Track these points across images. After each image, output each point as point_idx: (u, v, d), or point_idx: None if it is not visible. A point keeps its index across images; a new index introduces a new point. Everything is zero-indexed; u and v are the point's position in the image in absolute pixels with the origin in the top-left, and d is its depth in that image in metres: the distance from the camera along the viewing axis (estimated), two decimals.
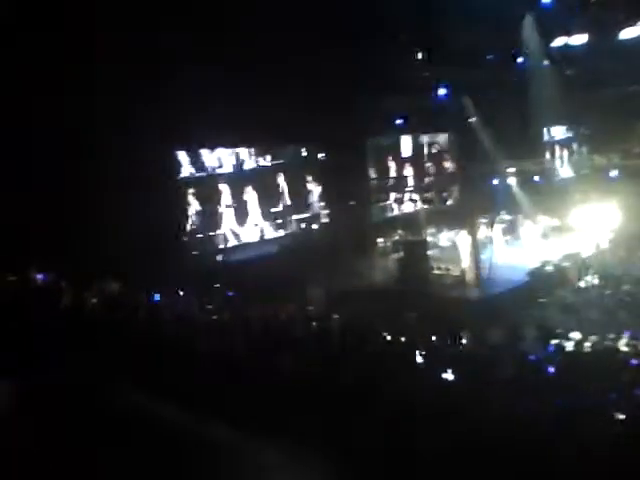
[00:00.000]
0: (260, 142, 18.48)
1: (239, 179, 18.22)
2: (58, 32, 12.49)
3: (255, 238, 18.70)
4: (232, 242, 18.08)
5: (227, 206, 17.94)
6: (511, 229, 20.62)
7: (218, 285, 14.48)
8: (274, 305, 11.30)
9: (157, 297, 10.97)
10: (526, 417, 5.67)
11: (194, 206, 17.20)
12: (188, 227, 17.13)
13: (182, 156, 16.98)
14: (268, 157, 19.11)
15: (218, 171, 17.85)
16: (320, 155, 20.17)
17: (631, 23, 19.73)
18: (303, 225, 19.97)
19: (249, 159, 18.70)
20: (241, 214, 18.33)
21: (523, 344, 9.77)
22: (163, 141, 14.81)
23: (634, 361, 8.68)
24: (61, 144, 13.08)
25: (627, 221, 19.38)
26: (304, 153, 20.08)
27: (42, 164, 12.80)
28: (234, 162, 18.29)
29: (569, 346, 10.07)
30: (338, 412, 5.82)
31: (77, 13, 12.66)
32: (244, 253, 18.10)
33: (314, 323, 9.89)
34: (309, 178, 20.09)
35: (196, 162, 17.31)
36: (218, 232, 17.80)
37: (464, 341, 9.13)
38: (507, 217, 21.14)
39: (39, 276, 10.70)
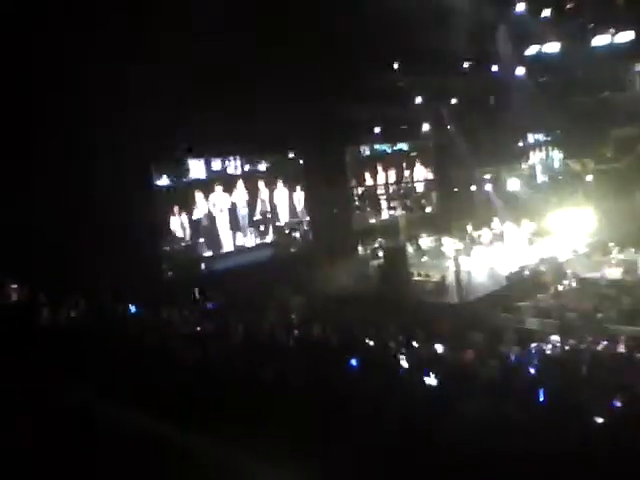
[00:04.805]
0: (241, 150, 18.46)
1: (220, 187, 18.15)
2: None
3: (237, 246, 18.64)
4: (214, 250, 17.99)
5: (208, 214, 17.87)
6: (489, 234, 20.83)
7: (198, 295, 14.45)
8: (255, 314, 11.32)
9: (136, 308, 10.94)
10: (506, 420, 5.73)
11: (174, 214, 17.09)
12: (168, 236, 17.00)
13: (160, 164, 16.86)
14: (248, 165, 19.09)
15: (198, 178, 17.75)
16: (301, 162, 20.20)
17: (602, 30, 20.10)
18: (285, 232, 19.95)
19: (230, 166, 18.65)
20: (223, 222, 18.28)
21: (503, 347, 9.91)
22: (141, 149, 14.68)
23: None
24: (35, 155, 12.91)
25: (602, 225, 19.69)
26: (285, 160, 20.09)
27: (12, 178, 12.58)
28: (214, 169, 18.22)
29: (548, 349, 10.25)
30: (322, 418, 5.83)
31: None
32: (226, 261, 18.04)
33: (295, 331, 9.95)
34: (291, 185, 20.09)
35: (175, 170, 17.20)
36: (200, 240, 17.70)
37: (444, 346, 9.24)
38: (485, 222, 21.37)
39: (15, 289, 10.58)
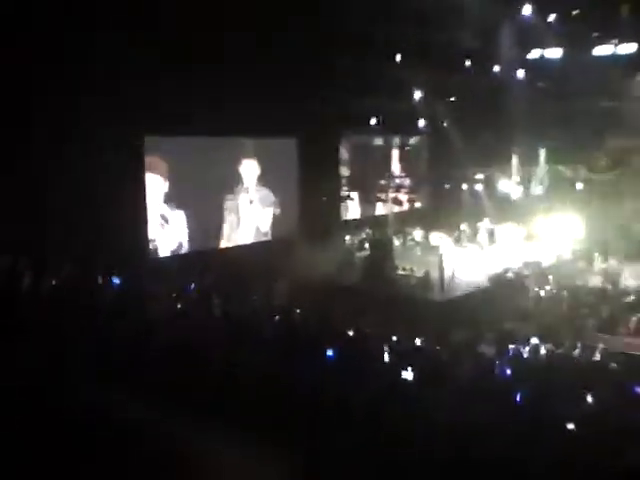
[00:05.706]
0: (233, 132, 18.29)
1: (207, 168, 17.98)
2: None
3: (224, 229, 18.56)
4: (200, 232, 17.88)
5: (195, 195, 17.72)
6: (476, 234, 20.92)
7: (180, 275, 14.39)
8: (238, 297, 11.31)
9: (117, 281, 10.85)
10: (479, 420, 5.77)
11: (159, 194, 16.91)
12: (152, 216, 16.82)
13: (149, 143, 16.62)
14: (238, 148, 18.94)
15: (189, 158, 17.58)
16: (296, 147, 20.07)
17: (605, 41, 20.18)
18: (275, 216, 19.88)
19: (219, 147, 18.50)
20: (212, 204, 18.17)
21: (481, 347, 9.99)
22: (135, 120, 14.50)
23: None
24: (17, 131, 12.72)
25: (589, 233, 19.84)
26: (280, 144, 19.94)
27: None
28: (204, 149, 18.07)
29: (525, 351, 10.33)
30: (300, 407, 5.85)
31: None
32: (211, 243, 17.98)
33: (277, 317, 9.95)
34: (282, 171, 19.97)
35: (164, 149, 17.01)
36: (185, 221, 17.54)
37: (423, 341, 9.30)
38: (473, 222, 21.44)
39: None
